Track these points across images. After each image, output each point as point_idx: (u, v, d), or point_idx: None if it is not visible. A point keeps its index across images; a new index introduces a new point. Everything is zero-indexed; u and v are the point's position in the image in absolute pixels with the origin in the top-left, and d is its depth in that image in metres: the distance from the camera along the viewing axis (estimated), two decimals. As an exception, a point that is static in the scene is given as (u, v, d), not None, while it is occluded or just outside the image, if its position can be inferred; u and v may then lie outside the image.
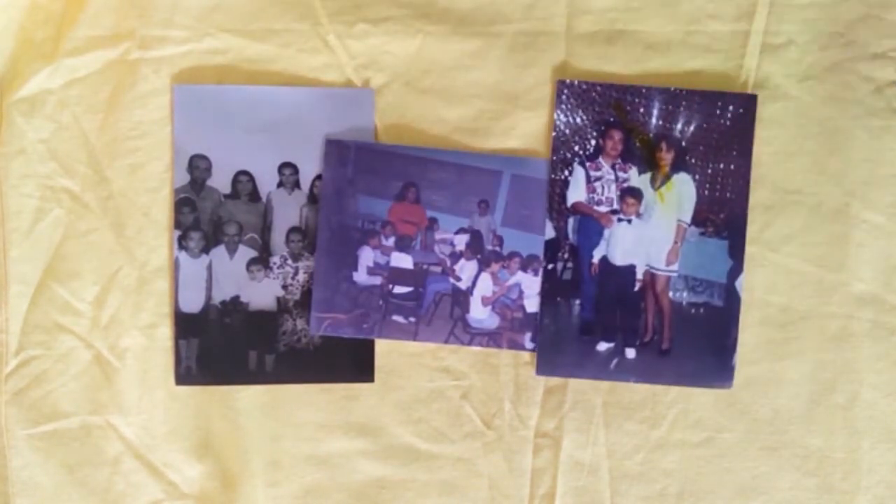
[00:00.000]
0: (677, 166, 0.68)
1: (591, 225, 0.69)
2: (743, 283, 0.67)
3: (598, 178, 0.69)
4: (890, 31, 0.67)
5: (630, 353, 0.68)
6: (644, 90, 0.67)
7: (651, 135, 0.68)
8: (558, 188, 0.68)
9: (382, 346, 0.69)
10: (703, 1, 0.68)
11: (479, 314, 0.69)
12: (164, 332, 0.69)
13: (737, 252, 0.67)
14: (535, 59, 0.68)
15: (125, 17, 0.68)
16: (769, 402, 0.68)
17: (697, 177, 0.68)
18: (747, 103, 0.67)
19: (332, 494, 0.69)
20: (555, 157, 0.68)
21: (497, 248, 0.69)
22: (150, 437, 0.69)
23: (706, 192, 0.68)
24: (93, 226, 0.68)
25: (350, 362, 0.69)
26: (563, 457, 0.69)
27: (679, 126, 0.67)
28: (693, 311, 0.68)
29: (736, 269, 0.67)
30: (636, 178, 0.68)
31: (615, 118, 0.68)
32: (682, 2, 0.68)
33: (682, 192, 0.68)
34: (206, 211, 0.69)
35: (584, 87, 0.67)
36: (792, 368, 0.68)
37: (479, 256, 0.69)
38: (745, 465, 0.69)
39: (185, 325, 0.68)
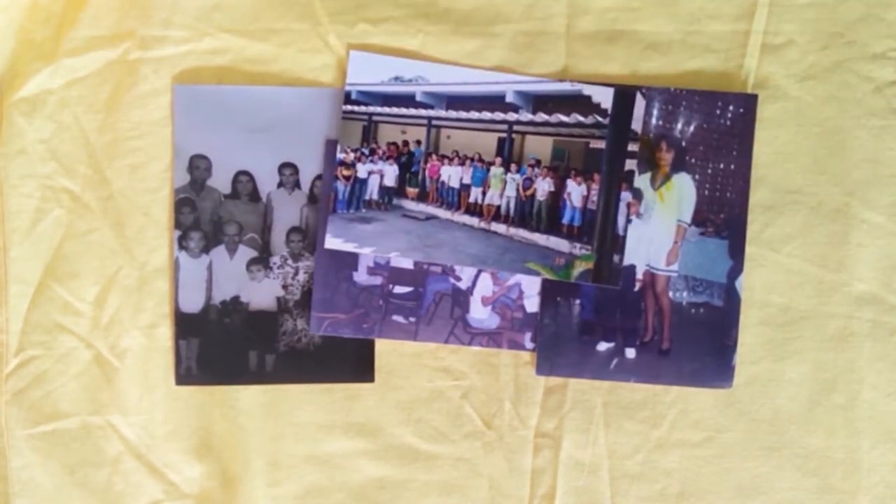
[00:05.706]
0: (677, 166, 0.68)
1: (591, 225, 0.69)
2: (743, 283, 0.67)
3: (598, 178, 0.69)
4: (890, 31, 0.67)
5: (630, 353, 0.68)
6: (644, 90, 0.67)
7: (651, 135, 0.67)
8: (558, 188, 0.68)
9: (382, 346, 0.69)
10: (703, 1, 0.68)
11: (479, 314, 0.69)
12: (164, 332, 0.69)
13: (737, 252, 0.67)
14: (535, 59, 0.68)
15: (125, 17, 0.68)
16: (769, 402, 0.68)
17: (697, 177, 0.68)
18: (747, 103, 0.67)
19: (332, 494, 0.69)
20: (555, 157, 0.68)
21: (497, 248, 0.69)
22: (150, 437, 0.69)
23: (706, 192, 0.68)
24: (93, 226, 0.68)
25: (350, 362, 0.69)
26: (563, 457, 0.69)
27: (679, 126, 0.67)
28: (693, 311, 0.68)
29: (736, 269, 0.67)
30: (636, 177, 0.68)
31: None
32: (682, 2, 0.68)
33: (681, 192, 0.68)
34: (206, 211, 0.69)
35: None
36: (792, 368, 0.68)
37: (479, 256, 0.69)
38: (745, 465, 0.69)
39: (185, 325, 0.68)
